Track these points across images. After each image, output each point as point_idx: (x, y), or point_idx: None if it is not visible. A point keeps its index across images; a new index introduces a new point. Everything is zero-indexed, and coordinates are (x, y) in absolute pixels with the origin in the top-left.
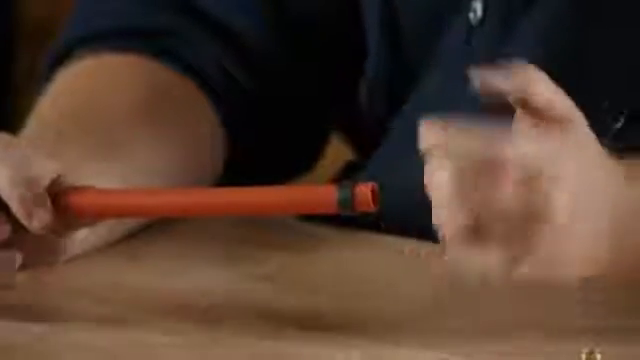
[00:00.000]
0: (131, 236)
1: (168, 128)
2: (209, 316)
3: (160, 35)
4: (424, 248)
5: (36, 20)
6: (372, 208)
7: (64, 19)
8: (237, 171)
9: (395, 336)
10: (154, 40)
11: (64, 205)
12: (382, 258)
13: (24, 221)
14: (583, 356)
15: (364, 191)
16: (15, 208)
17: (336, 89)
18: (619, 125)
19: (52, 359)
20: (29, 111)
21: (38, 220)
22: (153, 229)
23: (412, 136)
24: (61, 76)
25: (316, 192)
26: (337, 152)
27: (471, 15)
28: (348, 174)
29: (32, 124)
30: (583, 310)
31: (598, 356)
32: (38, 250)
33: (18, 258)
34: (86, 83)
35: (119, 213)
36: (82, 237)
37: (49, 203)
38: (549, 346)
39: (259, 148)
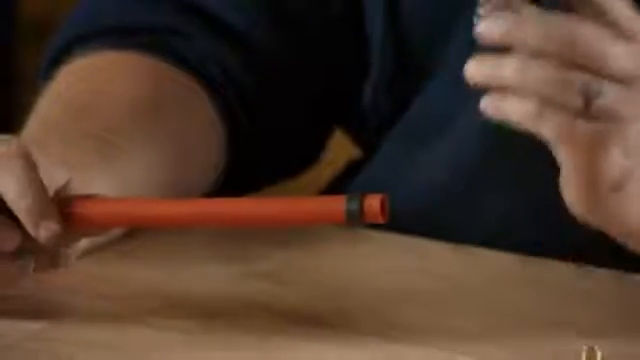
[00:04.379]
0: (131, 233)
1: (169, 126)
2: (209, 313)
3: (161, 33)
4: (426, 246)
5: (36, 17)
6: (381, 220)
7: (64, 15)
8: (238, 168)
9: (399, 334)
10: (155, 38)
11: (70, 214)
12: (384, 255)
13: (32, 232)
14: (584, 353)
15: (373, 203)
16: (23, 218)
17: (338, 88)
18: None
19: (51, 356)
20: (29, 109)
21: (45, 230)
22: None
23: (415, 137)
24: (62, 74)
25: (324, 203)
26: (340, 150)
27: (475, 18)
28: (350, 173)
29: (33, 125)
30: (584, 307)
31: (598, 353)
32: (44, 255)
33: (32, 261)
34: (87, 82)
35: (125, 222)
36: (84, 240)
37: (57, 213)
38: (550, 343)
39: (259, 145)
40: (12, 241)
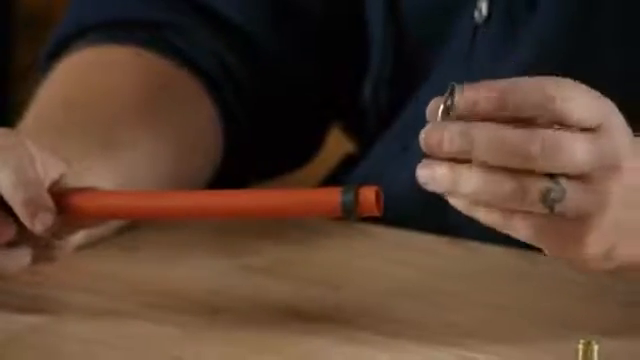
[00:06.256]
0: (127, 227)
1: (167, 120)
2: (207, 308)
3: (160, 28)
4: (423, 240)
5: (34, 10)
6: (376, 212)
7: (62, 9)
8: (235, 162)
9: (396, 328)
10: (154, 32)
11: (65, 206)
12: (380, 250)
13: (27, 224)
14: (580, 347)
15: (368, 195)
16: (19, 211)
17: (338, 84)
18: None
19: (48, 350)
20: (27, 102)
21: (41, 223)
22: (149, 221)
23: (413, 133)
24: (60, 68)
25: (319, 195)
26: (336, 144)
27: (476, 14)
28: (346, 167)
29: (31, 117)
30: (582, 302)
31: (595, 347)
32: (39, 247)
33: (28, 253)
34: (86, 75)
35: (121, 215)
36: (80, 234)
37: (52, 206)
38: (548, 337)
39: (258, 139)
40: (7, 233)
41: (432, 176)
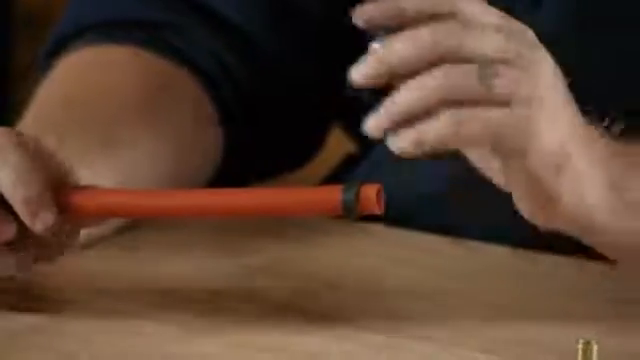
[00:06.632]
0: (127, 227)
1: (166, 120)
2: (209, 307)
3: (158, 27)
4: (423, 239)
5: (33, 10)
6: (377, 210)
7: (61, 9)
8: (235, 160)
9: (397, 326)
10: (152, 32)
11: (66, 205)
12: (381, 248)
13: (28, 223)
14: (580, 346)
15: (369, 193)
16: (19, 210)
17: (338, 83)
18: (618, 126)
19: (50, 349)
20: (27, 101)
21: (42, 222)
22: (149, 220)
23: None
24: (59, 67)
25: (320, 193)
26: (337, 143)
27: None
28: (348, 167)
29: (30, 116)
30: (582, 301)
31: (594, 346)
32: (40, 246)
33: (28, 253)
34: (84, 75)
35: (121, 213)
36: (80, 234)
37: (53, 205)
38: (549, 336)
39: (258, 139)
40: (7, 232)
41: (377, 121)
